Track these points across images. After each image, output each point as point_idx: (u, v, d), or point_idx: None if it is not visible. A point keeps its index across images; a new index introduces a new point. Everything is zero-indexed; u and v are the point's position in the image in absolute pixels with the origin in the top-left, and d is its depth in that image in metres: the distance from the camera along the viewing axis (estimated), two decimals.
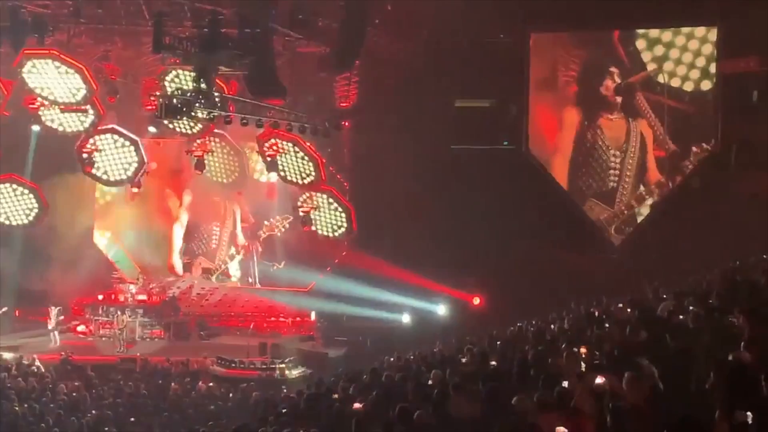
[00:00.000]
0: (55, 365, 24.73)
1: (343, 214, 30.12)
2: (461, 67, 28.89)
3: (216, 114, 25.03)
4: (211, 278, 32.69)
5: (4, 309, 28.43)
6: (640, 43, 29.05)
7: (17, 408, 17.43)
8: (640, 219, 29.43)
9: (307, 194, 30.22)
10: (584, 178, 30.10)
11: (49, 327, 28.43)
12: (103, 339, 29.30)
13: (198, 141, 29.72)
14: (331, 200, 30.09)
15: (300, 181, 29.99)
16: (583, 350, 11.00)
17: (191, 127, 28.62)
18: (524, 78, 30.07)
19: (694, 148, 28.96)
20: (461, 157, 29.73)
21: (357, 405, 10.91)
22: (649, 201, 29.39)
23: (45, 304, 29.06)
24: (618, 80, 29.37)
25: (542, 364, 10.72)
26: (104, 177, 30.60)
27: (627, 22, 28.70)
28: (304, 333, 30.62)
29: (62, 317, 29.07)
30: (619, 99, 29.40)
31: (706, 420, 6.55)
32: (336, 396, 13.28)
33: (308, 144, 29.03)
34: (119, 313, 29.26)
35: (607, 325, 13.25)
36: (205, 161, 29.95)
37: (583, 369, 9.84)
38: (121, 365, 25.68)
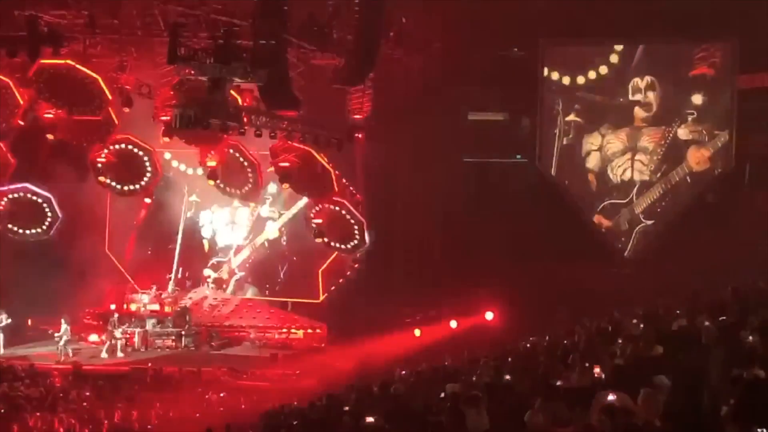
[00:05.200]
0: (66, 374, 24.78)
1: (356, 227, 30.13)
2: (475, 81, 28.94)
3: (230, 125, 25.08)
4: (223, 289, 32.78)
5: (8, 321, 28.40)
6: (652, 57, 29.06)
7: (29, 416, 17.46)
8: (653, 234, 29.33)
9: (320, 206, 30.28)
10: (594, 193, 30.06)
11: (60, 342, 28.14)
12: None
13: (211, 152, 29.77)
14: (343, 212, 30.11)
15: (313, 193, 30.08)
16: (597, 370, 10.95)
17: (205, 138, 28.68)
18: (537, 91, 30.08)
19: (707, 164, 28.93)
20: (474, 170, 29.73)
21: (369, 419, 10.87)
22: (661, 216, 29.31)
23: (58, 314, 29.08)
24: (628, 94, 29.40)
25: (554, 380, 10.69)
26: (118, 187, 30.69)
27: (642, 35, 28.68)
28: (315, 345, 30.58)
29: (68, 338, 28.66)
30: (629, 113, 29.43)
31: None
32: (347, 408, 13.26)
33: (321, 155, 29.09)
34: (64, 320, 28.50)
35: (619, 340, 13.19)
36: (218, 172, 30.01)
37: (596, 385, 9.80)
38: (133, 375, 25.69)
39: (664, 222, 29.21)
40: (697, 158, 28.91)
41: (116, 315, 29.63)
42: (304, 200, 31.56)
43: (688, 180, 29.07)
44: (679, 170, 29.07)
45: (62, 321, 27.97)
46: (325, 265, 31.58)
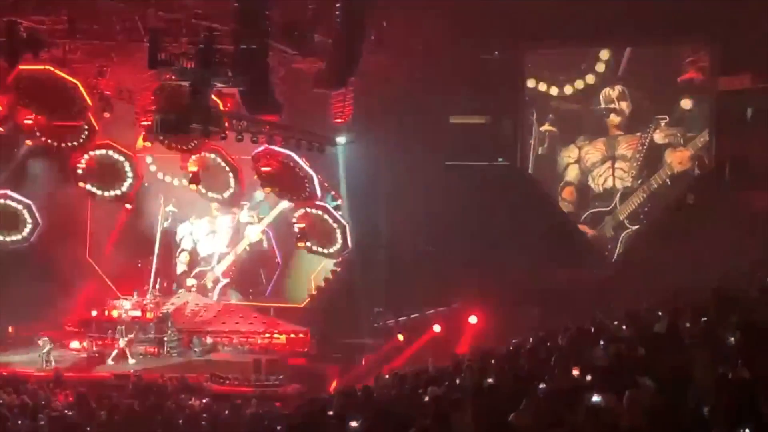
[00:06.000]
0: (48, 382, 24.62)
1: (338, 231, 30.13)
2: (456, 84, 28.97)
3: (211, 130, 25.00)
4: (206, 294, 32.71)
5: None
6: (631, 60, 29.19)
7: (10, 425, 17.30)
8: (638, 239, 29.42)
9: (302, 210, 30.26)
10: (576, 205, 30.15)
11: (43, 350, 27.90)
12: (97, 355, 29.14)
13: (193, 157, 29.68)
14: (326, 217, 30.10)
15: (295, 197, 30.06)
16: (575, 372, 10.95)
17: (186, 143, 28.60)
18: (519, 95, 30.16)
19: (689, 164, 29.08)
20: (456, 174, 29.76)
21: (353, 423, 10.84)
22: (642, 218, 29.44)
23: (39, 321, 28.90)
24: (600, 103, 29.56)
25: (538, 382, 10.69)
26: (98, 193, 30.56)
27: (621, 39, 28.80)
28: (298, 349, 30.49)
29: (51, 347, 28.09)
30: (603, 122, 29.59)
31: None
32: (331, 413, 13.22)
33: (303, 160, 29.06)
34: (42, 340, 28.17)
35: (602, 342, 13.22)
36: (199, 177, 29.94)
37: (580, 387, 9.80)
38: (115, 382, 25.56)
39: (648, 226, 29.33)
40: (678, 159, 29.08)
41: (123, 325, 29.50)
42: (284, 204, 31.56)
43: (669, 183, 29.22)
44: (661, 173, 29.22)
45: (36, 339, 27.76)
46: (316, 271, 31.63)
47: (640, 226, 29.41)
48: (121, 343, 28.66)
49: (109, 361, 28.42)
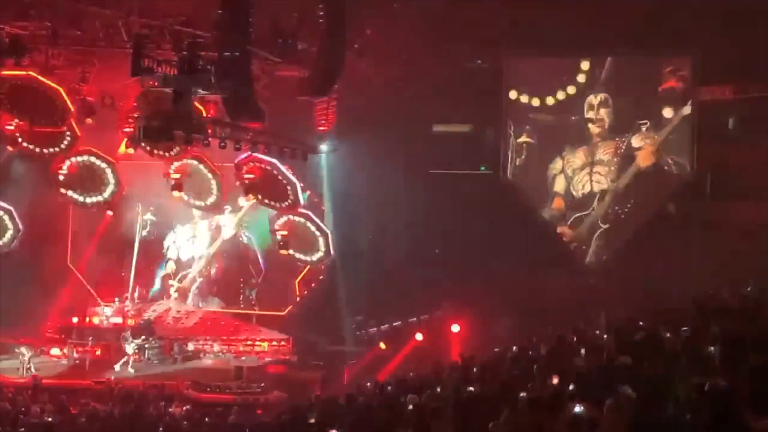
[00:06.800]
0: (27, 388, 24.47)
1: (321, 239, 30.13)
2: (439, 92, 29.01)
3: (194, 137, 24.96)
4: (186, 299, 32.63)
5: None
6: (612, 70, 29.34)
7: None
8: (616, 244, 29.55)
9: (285, 218, 30.23)
10: (564, 205, 30.25)
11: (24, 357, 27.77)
12: (77, 362, 28.98)
13: (175, 164, 29.64)
14: (308, 224, 30.09)
15: (278, 205, 30.02)
16: (554, 380, 10.96)
17: (169, 150, 28.55)
18: (502, 103, 30.23)
19: (652, 159, 29.26)
20: (439, 182, 29.81)
21: None
22: (623, 226, 29.57)
23: (19, 326, 28.73)
24: (583, 112, 29.70)
25: (519, 390, 10.70)
26: (80, 199, 30.46)
27: (602, 49, 28.93)
28: (280, 357, 30.43)
29: (32, 354, 27.94)
30: (584, 131, 29.73)
31: None
32: (312, 421, 13.21)
33: (286, 167, 29.04)
34: (21, 350, 27.79)
35: (583, 351, 13.23)
36: (182, 184, 29.87)
37: (561, 396, 9.81)
38: (96, 389, 25.42)
39: (618, 225, 29.54)
40: (643, 155, 29.29)
41: (129, 330, 29.34)
42: (267, 211, 31.50)
43: (635, 180, 29.40)
44: (629, 171, 29.41)
45: (14, 349, 27.60)
46: (299, 279, 31.63)
47: (611, 226, 29.50)
48: (129, 349, 28.49)
49: (117, 367, 28.24)
